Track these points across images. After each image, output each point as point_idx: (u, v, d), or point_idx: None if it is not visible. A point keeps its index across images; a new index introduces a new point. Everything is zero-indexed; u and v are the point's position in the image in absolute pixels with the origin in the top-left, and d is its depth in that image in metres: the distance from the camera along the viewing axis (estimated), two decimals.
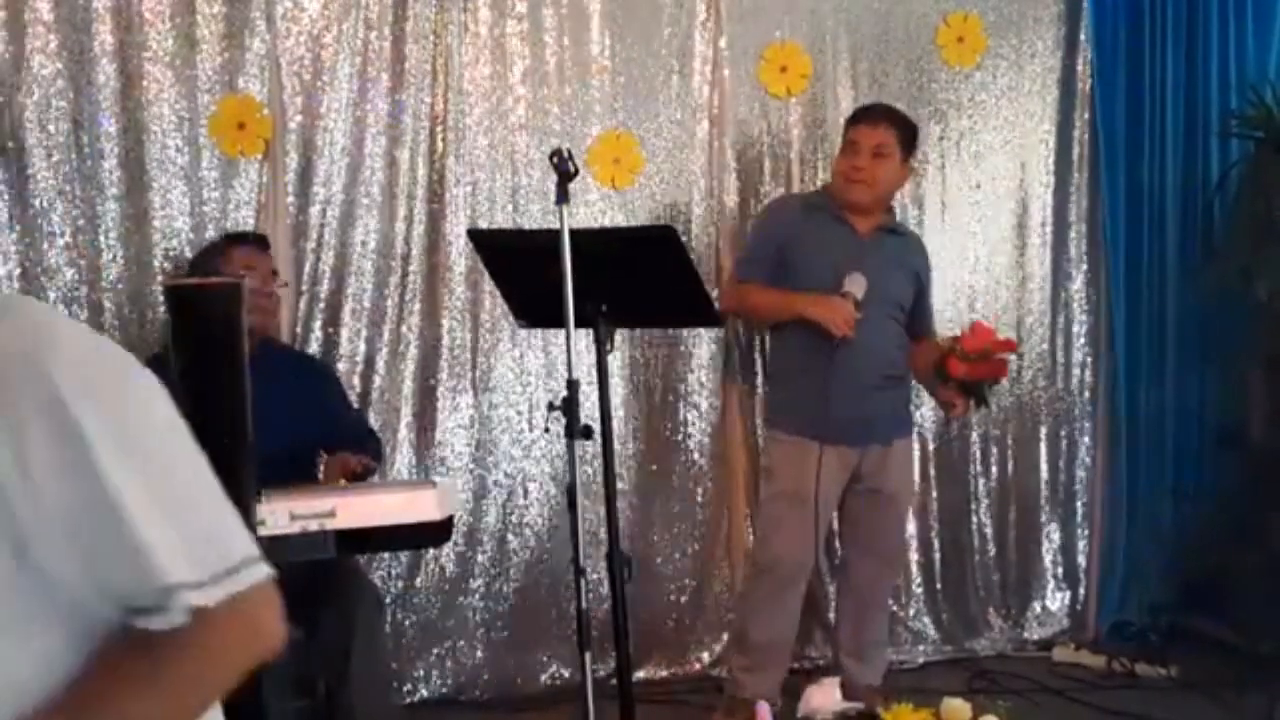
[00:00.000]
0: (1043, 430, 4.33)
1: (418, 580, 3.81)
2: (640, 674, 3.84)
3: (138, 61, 3.49)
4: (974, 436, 4.27)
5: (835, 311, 3.27)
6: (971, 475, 4.27)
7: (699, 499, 4.02)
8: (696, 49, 3.97)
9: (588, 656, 2.61)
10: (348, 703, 2.87)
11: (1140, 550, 4.28)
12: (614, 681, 2.76)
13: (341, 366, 3.69)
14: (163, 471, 0.99)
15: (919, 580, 4.20)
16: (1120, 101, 4.23)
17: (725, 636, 3.96)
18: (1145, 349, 4.27)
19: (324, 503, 2.41)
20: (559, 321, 2.59)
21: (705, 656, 4.02)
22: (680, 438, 4.00)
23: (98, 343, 1.03)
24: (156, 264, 3.52)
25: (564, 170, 2.58)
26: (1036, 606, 4.32)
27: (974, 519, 4.27)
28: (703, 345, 3.98)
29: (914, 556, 4.20)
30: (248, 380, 2.23)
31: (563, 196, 2.58)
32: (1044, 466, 4.33)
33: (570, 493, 2.61)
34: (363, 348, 3.74)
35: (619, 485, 3.17)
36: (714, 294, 3.69)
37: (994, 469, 4.29)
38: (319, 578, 2.87)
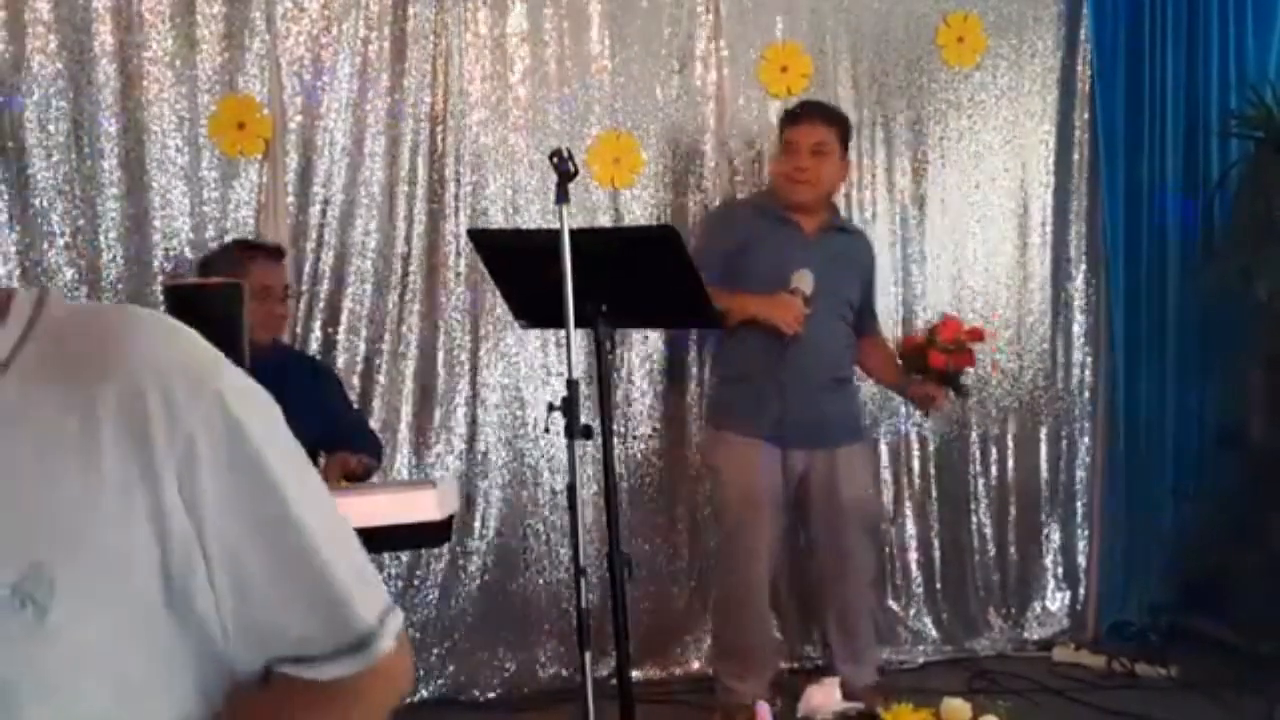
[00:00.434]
0: (1043, 430, 4.32)
1: (417, 580, 3.80)
2: (640, 674, 3.84)
3: (138, 61, 3.49)
4: (974, 436, 4.27)
5: (785, 309, 3.28)
6: (971, 475, 4.27)
7: (699, 499, 4.02)
8: (696, 49, 3.97)
9: (588, 656, 2.61)
10: None
11: (1140, 550, 4.28)
12: (614, 681, 2.76)
13: (341, 366, 3.69)
14: (326, 501, 0.90)
15: (919, 580, 4.20)
16: (1120, 101, 4.22)
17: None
18: (1145, 349, 4.27)
19: None
20: (559, 321, 2.58)
21: (705, 656, 4.02)
22: (680, 437, 4.01)
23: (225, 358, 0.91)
24: (156, 264, 3.52)
25: (564, 170, 2.58)
26: (1036, 606, 4.32)
27: (974, 519, 4.27)
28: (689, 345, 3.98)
29: (914, 556, 4.21)
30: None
31: (563, 196, 2.58)
32: (1044, 466, 4.33)
33: (570, 493, 2.61)
34: (362, 347, 3.74)
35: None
36: None
37: (994, 469, 4.29)
38: None
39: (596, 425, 2.76)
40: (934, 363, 3.37)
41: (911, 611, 4.19)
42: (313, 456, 3.26)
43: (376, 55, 3.71)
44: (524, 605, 3.88)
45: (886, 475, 4.20)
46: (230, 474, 0.81)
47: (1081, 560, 4.37)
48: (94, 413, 0.78)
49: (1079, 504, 4.36)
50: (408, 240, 3.76)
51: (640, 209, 3.94)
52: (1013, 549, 4.30)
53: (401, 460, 3.77)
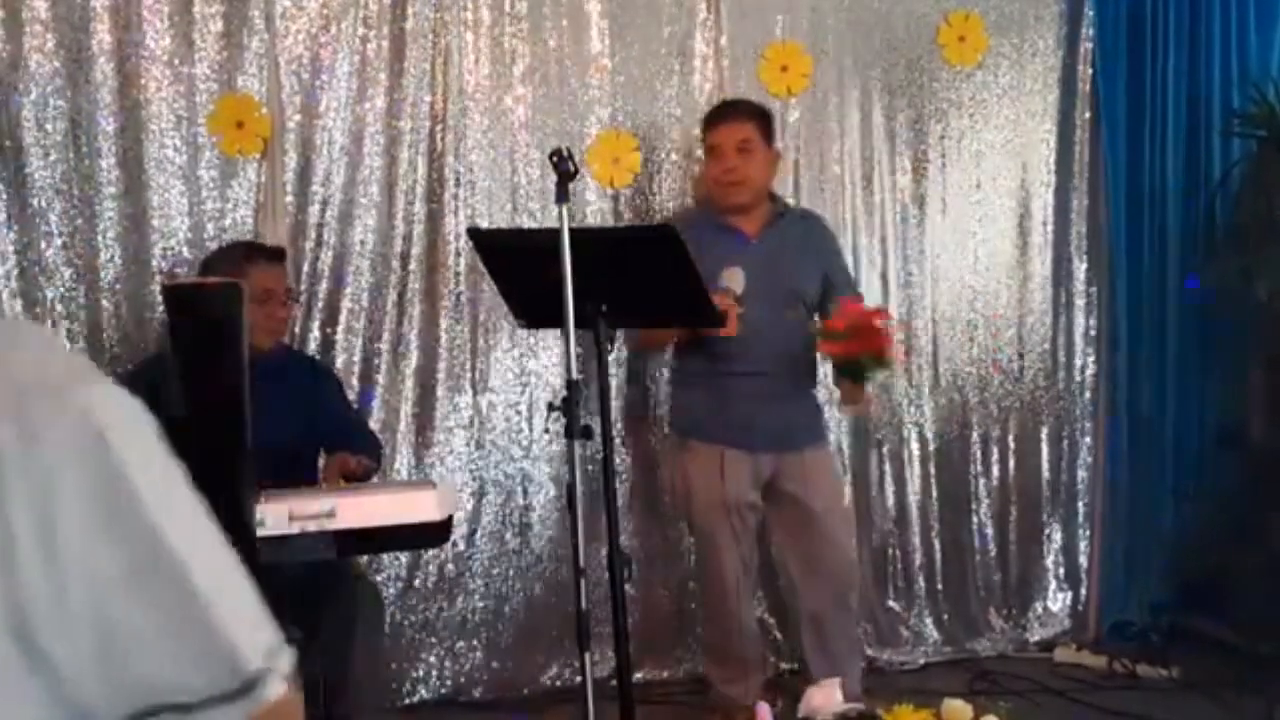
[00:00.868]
0: (1044, 430, 4.32)
1: (417, 580, 3.80)
2: (640, 675, 3.83)
3: (136, 60, 3.48)
4: (975, 436, 4.26)
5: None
6: (972, 475, 4.27)
7: None
8: (696, 48, 3.97)
9: (588, 656, 2.60)
10: (348, 703, 2.86)
11: (1141, 550, 4.28)
12: (614, 682, 2.75)
13: (340, 366, 3.68)
14: (206, 532, 0.82)
15: (920, 581, 4.20)
16: (1122, 100, 4.22)
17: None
18: (1146, 349, 4.27)
19: (324, 503, 2.40)
20: (559, 321, 2.57)
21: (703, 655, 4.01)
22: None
23: (104, 374, 0.82)
24: (155, 263, 3.51)
25: (564, 170, 2.57)
26: (1038, 607, 4.31)
27: (975, 519, 4.27)
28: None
29: (915, 557, 4.20)
30: (247, 380, 2.22)
31: (562, 196, 2.57)
32: (1045, 466, 4.33)
33: (570, 493, 2.60)
34: (362, 347, 3.73)
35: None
36: None
37: (994, 469, 4.29)
38: (319, 578, 2.86)
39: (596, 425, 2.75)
40: (822, 350, 3.25)
41: (912, 612, 4.18)
42: (313, 457, 3.26)
43: (375, 54, 3.70)
44: (524, 605, 3.88)
45: (887, 475, 4.19)
46: (96, 507, 0.72)
47: (1083, 560, 4.36)
48: None
49: (1080, 504, 4.36)
50: (407, 240, 3.75)
51: (640, 209, 3.93)
52: (1014, 549, 4.30)
53: (401, 460, 3.77)
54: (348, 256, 3.70)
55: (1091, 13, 4.22)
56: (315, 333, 3.68)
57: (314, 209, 3.67)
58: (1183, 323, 4.23)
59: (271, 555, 2.28)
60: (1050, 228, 4.28)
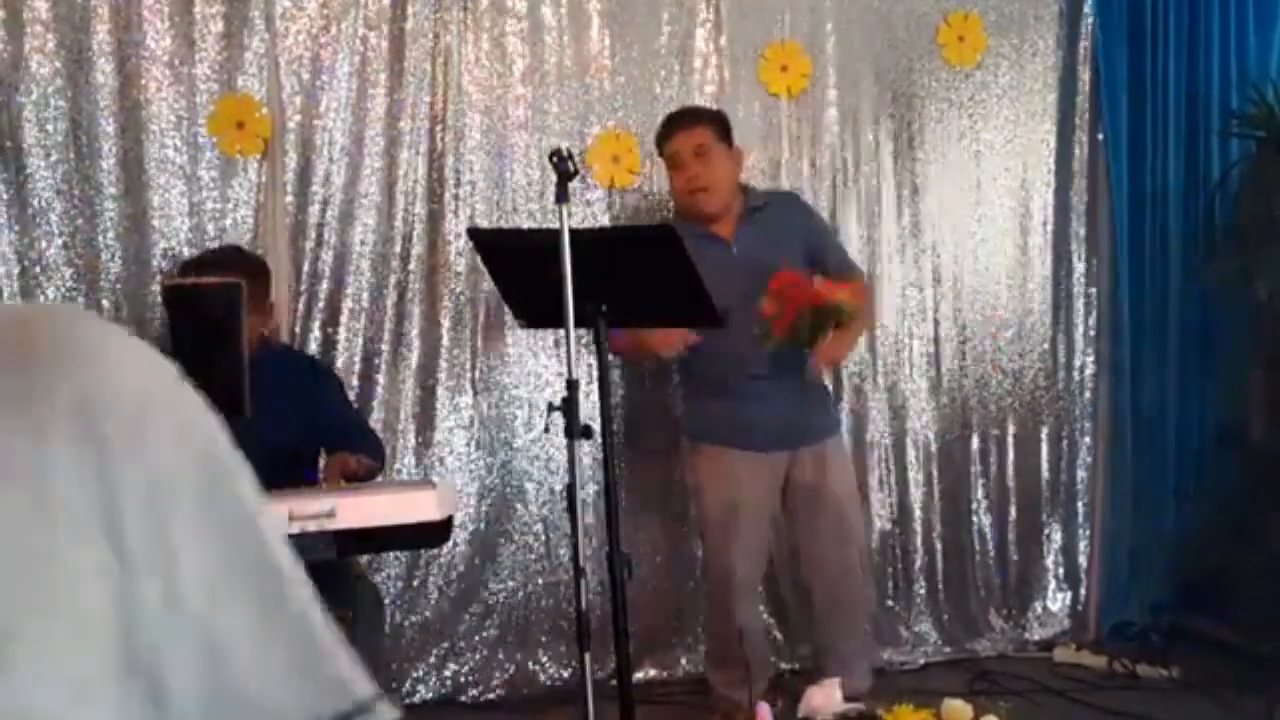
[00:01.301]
0: (1044, 430, 4.32)
1: (417, 580, 3.80)
2: (640, 675, 3.83)
3: (136, 60, 3.49)
4: (975, 436, 4.26)
5: (663, 338, 3.24)
6: (972, 475, 4.27)
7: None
8: (696, 49, 3.97)
9: (588, 657, 2.60)
10: None
11: (1141, 550, 4.27)
12: (614, 682, 2.75)
13: (341, 366, 3.69)
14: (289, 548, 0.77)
15: (920, 581, 4.20)
16: (1122, 100, 4.22)
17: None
18: (1146, 349, 4.26)
19: (324, 503, 2.40)
20: (559, 321, 2.58)
21: (704, 657, 4.01)
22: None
23: None
24: (155, 263, 3.52)
25: (564, 170, 2.58)
26: (1038, 607, 4.31)
27: (975, 519, 4.27)
28: None
29: (915, 557, 4.20)
30: (247, 381, 2.22)
31: (563, 196, 2.58)
32: (1045, 466, 4.33)
33: (570, 493, 2.60)
34: (362, 347, 3.73)
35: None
36: None
37: (994, 469, 4.29)
38: (319, 578, 2.84)
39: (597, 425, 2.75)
40: (774, 334, 3.15)
41: (912, 612, 4.18)
42: (313, 457, 3.26)
43: (376, 54, 3.70)
44: (524, 605, 3.88)
45: (888, 475, 4.19)
46: (208, 511, 0.68)
47: (1083, 560, 4.36)
48: (45, 439, 0.63)
49: (1080, 504, 4.36)
50: (407, 240, 3.76)
51: (640, 208, 3.94)
52: (1014, 549, 4.30)
53: (401, 460, 3.77)
54: (348, 256, 3.70)
55: (1091, 13, 4.22)
56: (315, 332, 3.69)
57: (314, 209, 3.67)
58: (1183, 323, 4.23)
59: None
60: (1050, 228, 4.28)
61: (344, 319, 3.71)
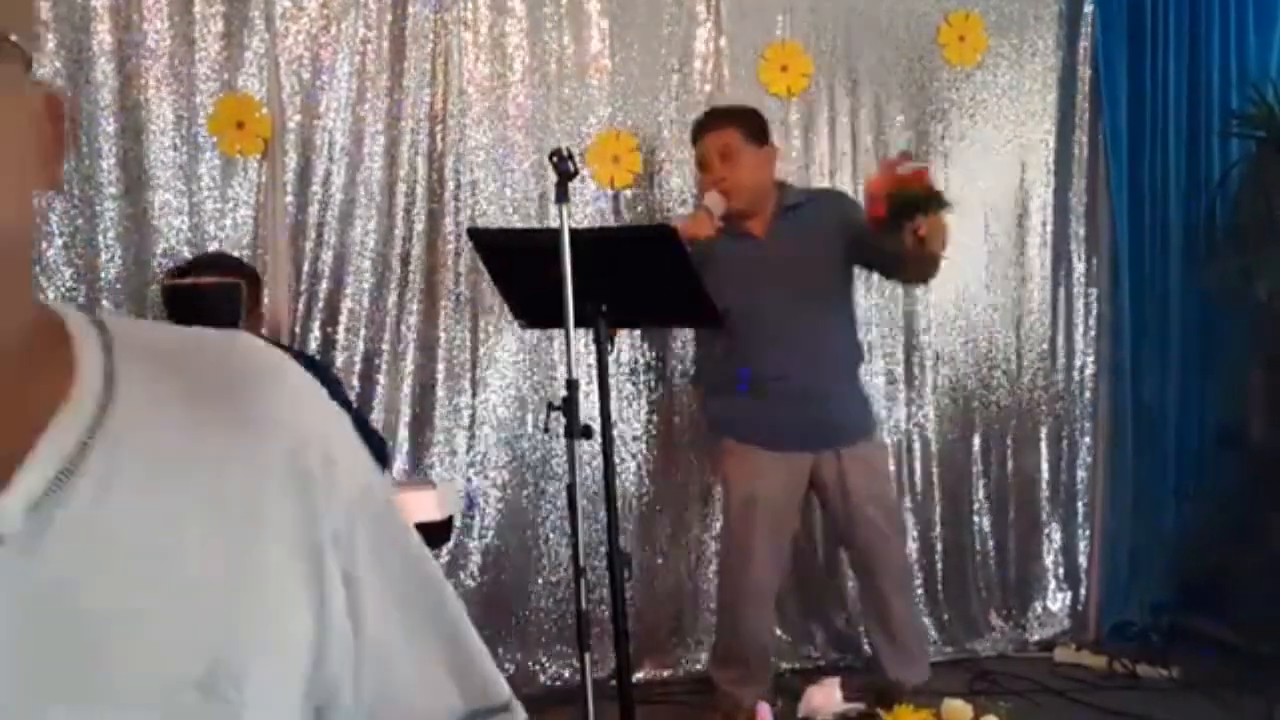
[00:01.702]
0: (1044, 430, 4.32)
1: None
2: (640, 675, 3.83)
3: (136, 60, 3.49)
4: (975, 436, 4.26)
5: (691, 223, 3.19)
6: (972, 475, 4.27)
7: (698, 500, 4.02)
8: (696, 48, 3.97)
9: (588, 657, 2.60)
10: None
11: (1142, 551, 4.28)
12: (614, 682, 2.75)
13: (341, 366, 3.69)
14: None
15: (920, 581, 4.19)
16: (1122, 101, 4.22)
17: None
18: (1146, 348, 4.26)
19: None
20: (559, 321, 2.58)
21: (705, 657, 4.01)
22: (678, 439, 4.00)
23: None
24: (155, 263, 3.51)
25: (564, 170, 2.58)
26: (1038, 607, 4.31)
27: (975, 519, 4.27)
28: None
29: (915, 557, 4.20)
30: None
31: (563, 196, 2.58)
32: (1045, 466, 4.33)
33: (570, 493, 2.60)
34: (362, 347, 3.73)
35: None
36: None
37: (994, 469, 4.29)
38: None
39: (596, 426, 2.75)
40: (871, 214, 3.07)
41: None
42: None
43: (376, 54, 3.70)
44: (524, 605, 3.88)
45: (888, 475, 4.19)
46: (380, 541, 0.71)
47: (1083, 560, 4.36)
48: (258, 470, 0.65)
49: (1080, 504, 4.36)
50: (407, 240, 3.76)
51: (640, 208, 3.94)
52: (1014, 549, 4.30)
53: (401, 460, 3.77)
54: (348, 256, 3.70)
55: (1091, 13, 4.22)
56: (315, 332, 3.68)
57: (314, 209, 3.67)
58: (1183, 323, 4.23)
59: None
60: (1050, 228, 4.28)
61: (344, 319, 3.71)
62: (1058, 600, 4.33)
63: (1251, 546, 3.84)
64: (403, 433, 3.77)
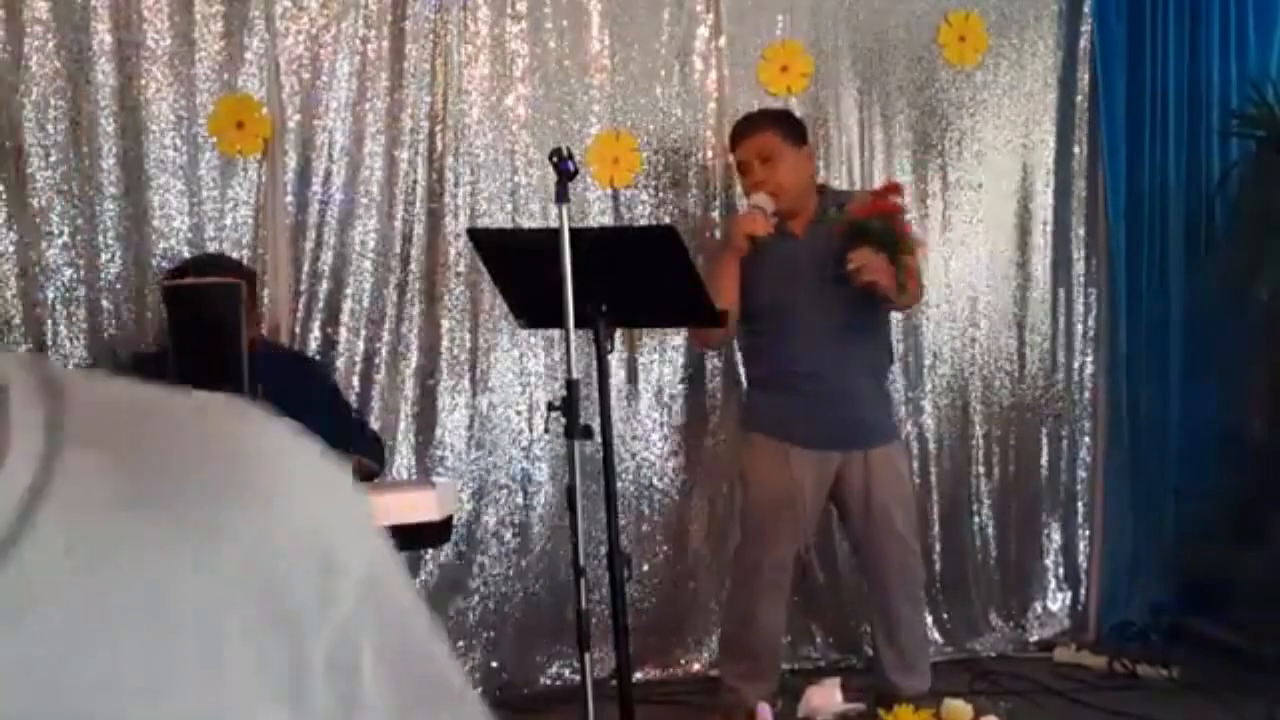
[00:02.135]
0: (1044, 430, 4.32)
1: (418, 580, 3.80)
2: (640, 674, 3.84)
3: (136, 60, 3.49)
4: (975, 436, 4.26)
5: (746, 219, 3.26)
6: (972, 475, 4.27)
7: (700, 498, 4.02)
8: (696, 48, 3.97)
9: (588, 656, 2.60)
10: None
11: (1141, 550, 4.28)
12: (614, 682, 2.75)
13: (341, 366, 3.69)
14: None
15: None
16: (1121, 100, 4.22)
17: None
18: (1146, 349, 4.27)
19: None
20: (559, 321, 2.58)
21: (705, 657, 4.02)
22: (678, 439, 4.01)
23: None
24: (155, 263, 3.52)
25: (564, 170, 2.58)
26: (1037, 607, 4.32)
27: (975, 519, 4.27)
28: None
29: None
30: (247, 380, 2.22)
31: (563, 196, 2.58)
32: (1045, 466, 4.33)
33: (570, 493, 2.60)
34: (362, 347, 3.74)
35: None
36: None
37: (994, 469, 4.29)
38: None
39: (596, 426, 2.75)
40: (857, 215, 3.26)
41: None
42: None
43: (376, 54, 3.71)
44: (524, 605, 3.88)
45: None
46: (389, 648, 0.59)
47: (1082, 560, 4.36)
48: (225, 586, 0.53)
49: (1080, 504, 4.36)
50: (407, 240, 3.76)
51: (640, 209, 3.94)
52: (1013, 549, 4.30)
53: (401, 460, 3.77)
54: (348, 257, 3.71)
55: (1090, 13, 4.22)
56: (316, 332, 3.69)
57: (314, 209, 3.68)
58: (1183, 322, 4.23)
59: None
60: (1050, 228, 4.28)
61: (344, 319, 3.71)
62: (1057, 600, 4.33)
63: (1251, 546, 3.84)
64: (403, 433, 3.77)
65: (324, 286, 3.69)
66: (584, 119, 3.88)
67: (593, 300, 2.67)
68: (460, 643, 3.83)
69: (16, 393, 0.52)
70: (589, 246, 2.62)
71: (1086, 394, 4.35)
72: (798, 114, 4.02)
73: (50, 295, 3.45)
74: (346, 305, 3.71)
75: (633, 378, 3.97)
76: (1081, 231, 4.31)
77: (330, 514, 0.57)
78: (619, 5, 3.88)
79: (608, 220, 3.90)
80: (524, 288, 2.96)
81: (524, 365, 3.87)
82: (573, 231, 2.58)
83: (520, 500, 3.89)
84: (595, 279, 2.61)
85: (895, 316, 4.05)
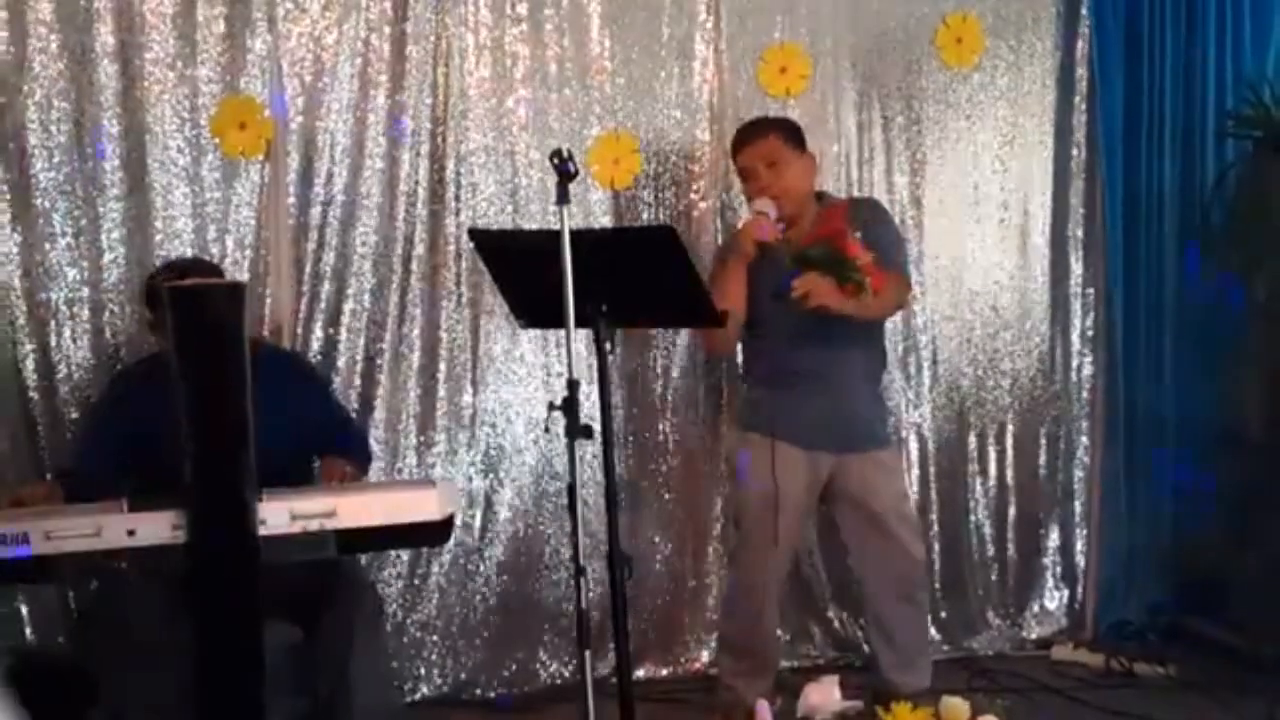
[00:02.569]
0: (1042, 430, 4.33)
1: (418, 580, 3.82)
2: (640, 673, 3.86)
3: (139, 62, 3.51)
4: (973, 436, 4.28)
5: (754, 226, 3.28)
6: (971, 475, 4.28)
7: (701, 498, 4.03)
8: (696, 49, 3.98)
9: (588, 656, 2.62)
10: (348, 704, 2.87)
11: (1139, 550, 4.29)
12: (614, 681, 2.77)
13: (342, 366, 3.71)
14: None
15: None
16: (1118, 102, 4.23)
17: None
18: (1144, 349, 4.28)
19: (324, 502, 2.42)
20: (559, 321, 2.59)
21: (705, 655, 4.03)
22: (679, 439, 4.02)
23: None
24: (158, 265, 3.52)
25: (564, 171, 2.59)
26: (1035, 605, 4.33)
27: (973, 518, 4.28)
28: (698, 348, 3.99)
29: None
30: (248, 380, 2.24)
31: (563, 197, 2.59)
32: (1043, 466, 4.34)
33: (570, 493, 2.62)
34: (363, 348, 3.75)
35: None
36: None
37: (992, 469, 4.30)
38: (319, 579, 2.87)
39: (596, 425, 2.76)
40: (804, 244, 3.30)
41: None
42: (305, 461, 3.24)
43: (377, 56, 3.72)
44: (524, 605, 3.89)
45: None
46: None
47: (1080, 559, 4.37)
48: None
49: (1078, 503, 4.37)
50: (408, 240, 3.77)
51: (640, 210, 3.95)
52: (1011, 548, 4.31)
53: (403, 460, 3.79)
54: (350, 257, 3.72)
55: (1088, 14, 4.23)
56: (317, 333, 3.70)
57: (316, 210, 3.69)
58: (1180, 323, 4.24)
59: (272, 555, 2.30)
60: (1047, 229, 4.29)
61: (345, 320, 3.73)
62: (1055, 599, 4.35)
63: (1249, 546, 3.85)
64: (404, 432, 3.79)
65: (326, 287, 3.71)
66: (584, 120, 3.89)
67: (593, 300, 2.68)
68: (461, 642, 3.84)
69: None
70: (589, 247, 2.63)
71: (1084, 394, 4.36)
72: (795, 115, 4.05)
73: (54, 296, 3.46)
74: (348, 306, 3.73)
75: (635, 377, 3.98)
76: (1079, 232, 4.32)
77: None
78: (619, 7, 3.90)
79: (608, 221, 3.91)
80: (525, 288, 2.97)
81: (524, 365, 3.89)
82: (573, 232, 2.59)
83: (520, 500, 3.91)
84: (595, 279, 2.62)
85: (895, 317, 4.09)
